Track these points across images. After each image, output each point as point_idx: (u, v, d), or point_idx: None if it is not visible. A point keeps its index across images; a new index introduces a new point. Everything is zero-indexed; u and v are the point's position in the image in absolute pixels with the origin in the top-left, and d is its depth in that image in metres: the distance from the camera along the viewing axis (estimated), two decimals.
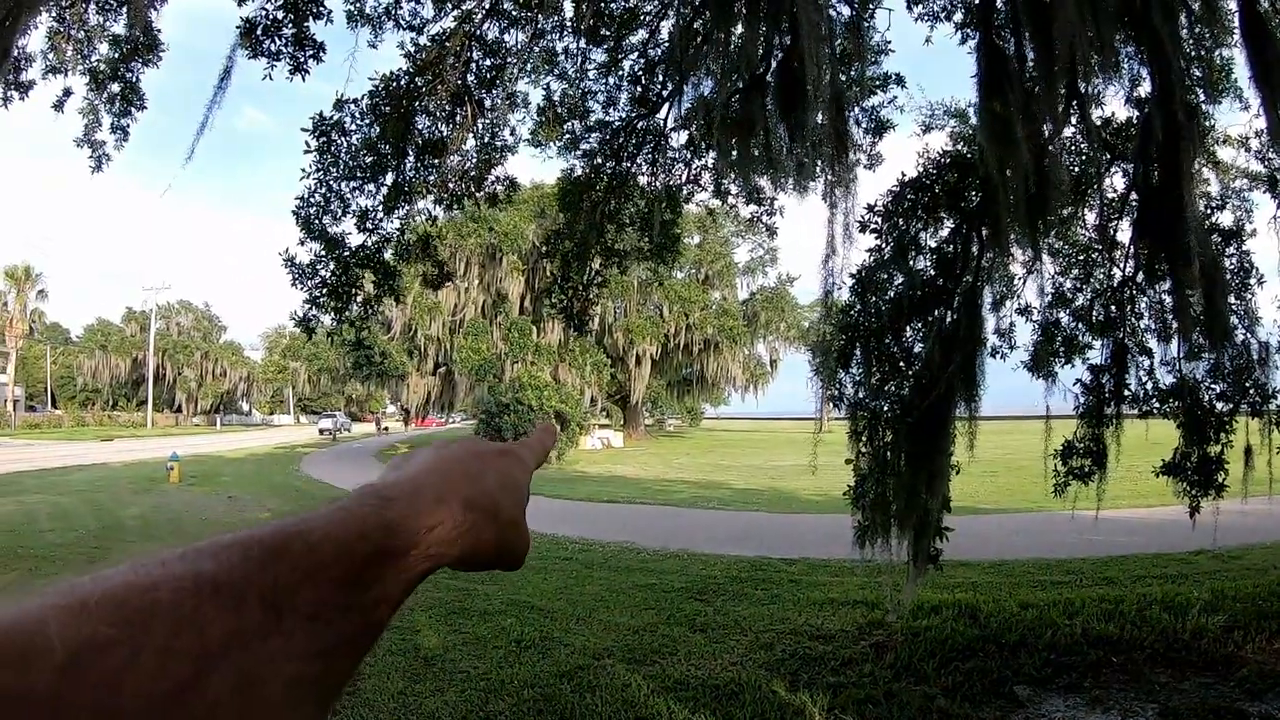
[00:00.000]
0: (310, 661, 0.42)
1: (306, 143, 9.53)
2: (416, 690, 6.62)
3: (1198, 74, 6.95)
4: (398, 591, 0.50)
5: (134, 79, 9.22)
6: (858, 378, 6.99)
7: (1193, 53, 6.54)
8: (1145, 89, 6.06)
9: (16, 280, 72.10)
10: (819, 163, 8.92)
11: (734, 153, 7.02)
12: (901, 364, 6.85)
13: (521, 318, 46.25)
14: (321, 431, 67.61)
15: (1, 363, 75.36)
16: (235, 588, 0.40)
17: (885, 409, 6.80)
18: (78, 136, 9.28)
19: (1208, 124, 7.40)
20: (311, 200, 9.70)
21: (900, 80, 10.16)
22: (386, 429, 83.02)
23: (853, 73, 8.54)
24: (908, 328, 6.84)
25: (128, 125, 9.36)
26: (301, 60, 8.79)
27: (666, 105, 10.48)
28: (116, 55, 9.05)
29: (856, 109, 9.57)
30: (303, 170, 9.57)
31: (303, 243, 9.75)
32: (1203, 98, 7.21)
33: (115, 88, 9.17)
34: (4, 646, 0.33)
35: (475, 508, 0.58)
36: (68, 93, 9.08)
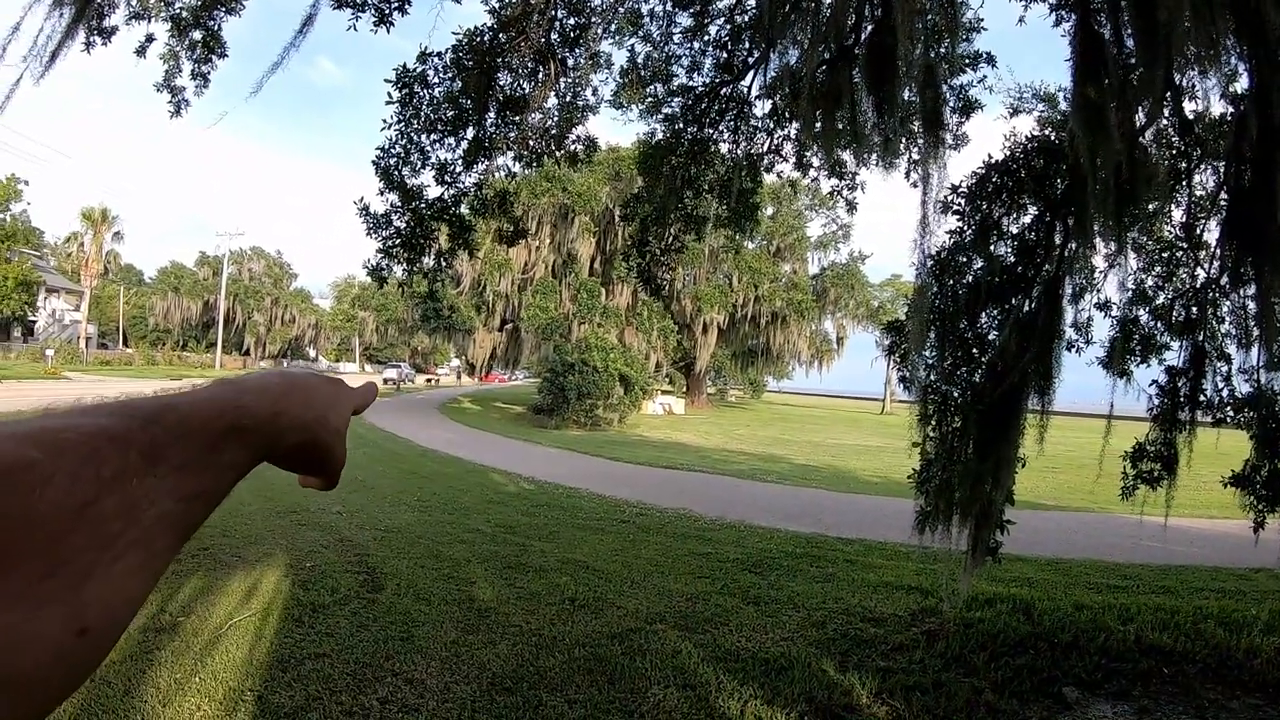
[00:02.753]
0: (176, 502, 0.53)
1: (389, 94, 9.59)
2: (469, 641, 6.70)
3: None
4: (244, 461, 0.62)
5: (215, 26, 9.33)
6: (930, 361, 6.89)
7: None
8: (1242, 85, 5.86)
9: (93, 222, 73.78)
10: (904, 139, 8.79)
11: (818, 124, 6.94)
12: (975, 350, 6.74)
13: (591, 279, 46.34)
14: (386, 381, 69.02)
15: (76, 301, 77.33)
16: (123, 438, 0.51)
17: (956, 394, 6.71)
18: (158, 81, 9.41)
19: None
20: (392, 151, 9.78)
21: (991, 59, 9.98)
22: (430, 380, 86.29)
23: (943, 49, 8.39)
24: (984, 313, 6.72)
25: (208, 72, 9.49)
26: (386, 12, 8.81)
27: (751, 73, 10.40)
28: (199, 3, 9.14)
29: (945, 87, 9.41)
30: (384, 121, 9.65)
31: (382, 193, 9.85)
32: None
33: (197, 35, 9.28)
34: None
35: (310, 411, 0.72)
36: (150, 39, 9.17)
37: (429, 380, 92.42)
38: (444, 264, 11.18)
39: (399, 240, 10.00)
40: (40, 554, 0.43)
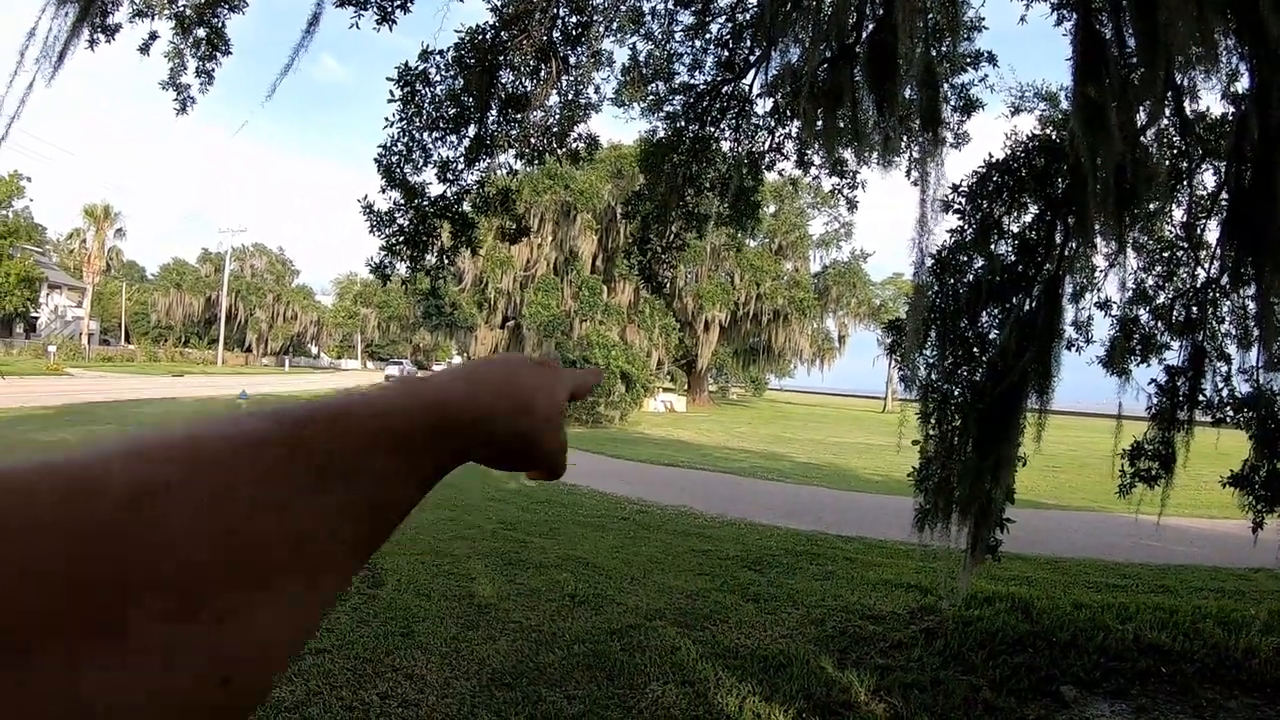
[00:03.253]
0: (347, 522, 0.46)
1: (391, 92, 9.58)
2: (469, 637, 6.72)
3: None
4: (432, 466, 0.54)
5: (219, 24, 9.32)
6: (931, 360, 6.90)
7: None
8: (1243, 85, 5.86)
9: (96, 218, 74.20)
10: (904, 137, 8.79)
11: (819, 123, 6.95)
12: (975, 349, 6.74)
13: (593, 276, 46.43)
14: (388, 378, 68.72)
15: (78, 297, 77.77)
16: (285, 448, 0.44)
17: (956, 393, 6.71)
18: (163, 79, 9.40)
19: None
20: (394, 149, 9.77)
21: (992, 58, 9.97)
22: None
23: (944, 48, 8.38)
24: (984, 312, 6.72)
25: (212, 70, 9.47)
26: (389, 10, 8.81)
27: (753, 71, 10.39)
28: (202, 0, 9.14)
29: (945, 85, 9.41)
30: (386, 119, 9.64)
31: (384, 190, 9.85)
32: None
33: (200, 32, 9.27)
34: (73, 481, 0.35)
35: (506, 401, 0.62)
36: (153, 36, 9.15)
37: None
38: (446, 261, 11.17)
39: (402, 238, 10.00)
40: (175, 591, 0.37)
